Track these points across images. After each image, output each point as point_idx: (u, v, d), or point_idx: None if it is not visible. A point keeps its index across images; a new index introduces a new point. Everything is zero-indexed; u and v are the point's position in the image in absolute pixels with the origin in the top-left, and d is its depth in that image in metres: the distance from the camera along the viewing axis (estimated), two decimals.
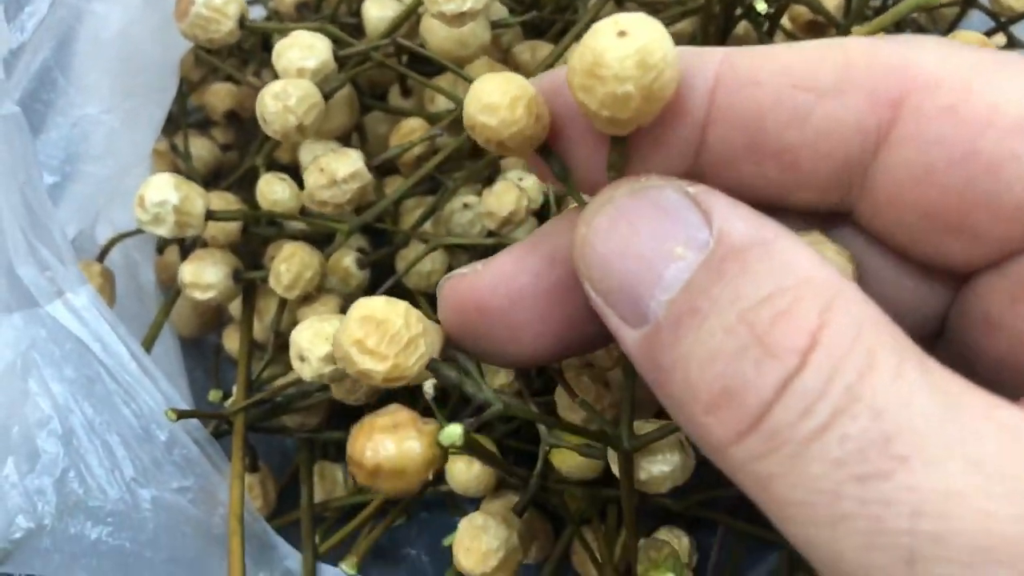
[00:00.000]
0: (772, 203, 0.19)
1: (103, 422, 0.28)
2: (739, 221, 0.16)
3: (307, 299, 0.32)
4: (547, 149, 0.19)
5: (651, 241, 0.17)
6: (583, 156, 0.20)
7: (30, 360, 0.28)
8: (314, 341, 0.27)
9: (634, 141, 0.19)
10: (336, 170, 0.29)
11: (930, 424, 0.14)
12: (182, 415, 0.28)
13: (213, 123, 0.42)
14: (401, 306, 0.19)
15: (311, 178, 0.30)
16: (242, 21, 0.31)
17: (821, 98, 0.18)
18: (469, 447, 0.19)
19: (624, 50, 0.16)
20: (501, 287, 0.20)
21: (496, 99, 0.18)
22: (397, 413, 0.19)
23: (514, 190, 0.32)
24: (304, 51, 0.30)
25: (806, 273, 0.15)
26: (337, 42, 0.31)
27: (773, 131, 0.18)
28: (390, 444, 0.18)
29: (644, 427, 0.23)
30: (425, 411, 0.32)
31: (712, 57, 0.18)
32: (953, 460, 0.14)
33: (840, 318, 0.15)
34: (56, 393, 0.28)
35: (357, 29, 0.36)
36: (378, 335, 0.19)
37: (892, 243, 0.19)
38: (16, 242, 0.28)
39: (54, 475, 0.28)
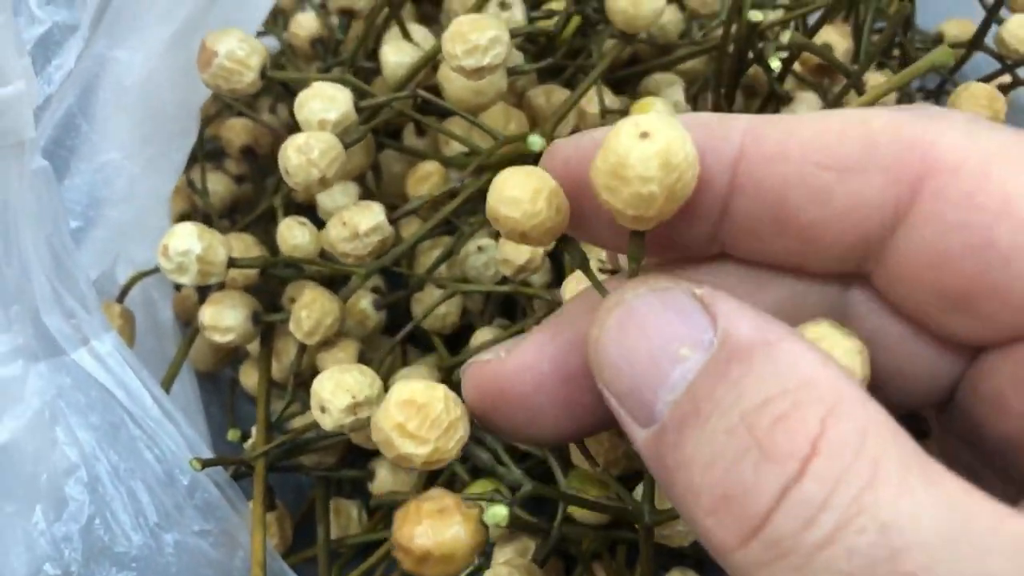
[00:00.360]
0: (791, 268, 0.20)
1: (127, 468, 0.29)
2: (743, 322, 0.17)
3: (326, 343, 0.33)
4: (567, 239, 0.20)
5: (659, 342, 0.17)
6: (605, 231, 0.20)
7: (57, 409, 0.28)
8: (335, 392, 0.27)
9: None
10: (358, 224, 0.30)
11: (938, 539, 0.14)
12: (206, 464, 0.29)
13: (227, 155, 0.43)
14: (440, 390, 0.19)
15: (334, 231, 0.30)
16: (264, 72, 0.31)
17: (843, 175, 0.18)
18: (515, 525, 0.20)
19: (647, 151, 0.16)
20: (524, 374, 0.20)
21: (518, 193, 0.18)
22: (442, 499, 0.19)
23: None
24: (326, 103, 0.30)
25: (809, 375, 0.16)
26: (356, 91, 0.32)
27: (796, 207, 0.18)
28: (438, 531, 0.19)
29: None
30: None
31: (736, 126, 0.19)
32: None
33: (843, 424, 0.15)
34: (83, 441, 0.29)
35: (373, 72, 0.37)
36: (419, 419, 0.19)
37: (905, 313, 0.20)
38: (43, 291, 0.29)
39: (80, 522, 0.28)
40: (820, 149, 0.18)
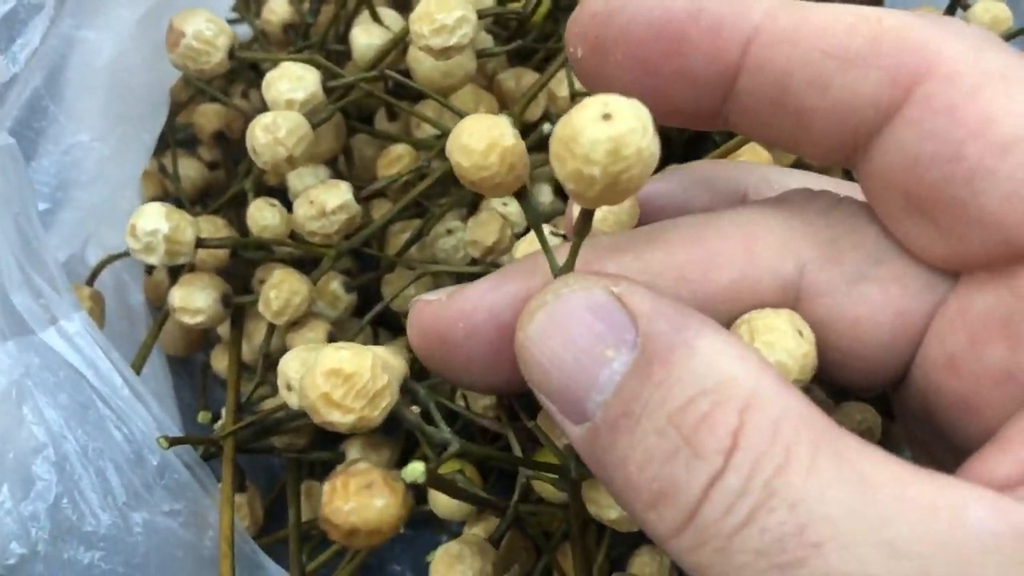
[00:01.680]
0: (785, 150, 0.21)
1: (96, 448, 0.29)
2: (662, 320, 0.17)
3: (296, 323, 0.33)
4: (522, 193, 0.20)
5: (583, 344, 0.17)
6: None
7: (25, 387, 0.28)
8: (302, 371, 0.27)
9: (667, 75, 0.19)
10: (326, 202, 0.30)
11: (842, 511, 0.15)
12: (174, 442, 0.29)
13: (199, 141, 0.43)
14: (368, 357, 0.19)
15: (301, 209, 0.30)
16: (232, 52, 0.31)
17: (845, 66, 0.18)
18: (434, 484, 0.20)
19: (600, 134, 0.16)
20: (461, 320, 0.21)
21: (473, 143, 0.18)
22: (368, 473, 0.19)
23: (498, 220, 0.33)
24: (293, 83, 0.30)
25: (727, 372, 0.16)
26: (325, 72, 0.32)
27: (795, 91, 0.19)
28: (365, 507, 0.19)
29: None
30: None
31: (759, 3, 0.19)
32: (866, 544, 0.15)
33: (758, 416, 0.16)
34: (50, 420, 0.29)
35: (344, 55, 0.37)
36: (344, 388, 0.19)
37: (880, 214, 0.20)
38: (11, 271, 0.28)
39: (48, 501, 0.28)
40: (828, 37, 0.18)
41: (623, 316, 0.17)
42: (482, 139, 0.18)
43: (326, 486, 0.20)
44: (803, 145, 0.20)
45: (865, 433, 0.27)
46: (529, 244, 0.28)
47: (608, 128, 0.16)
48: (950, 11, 0.39)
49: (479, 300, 0.21)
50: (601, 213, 0.24)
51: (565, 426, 0.18)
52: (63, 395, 0.29)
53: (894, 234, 0.20)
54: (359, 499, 0.19)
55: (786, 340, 0.19)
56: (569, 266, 0.19)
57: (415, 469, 0.19)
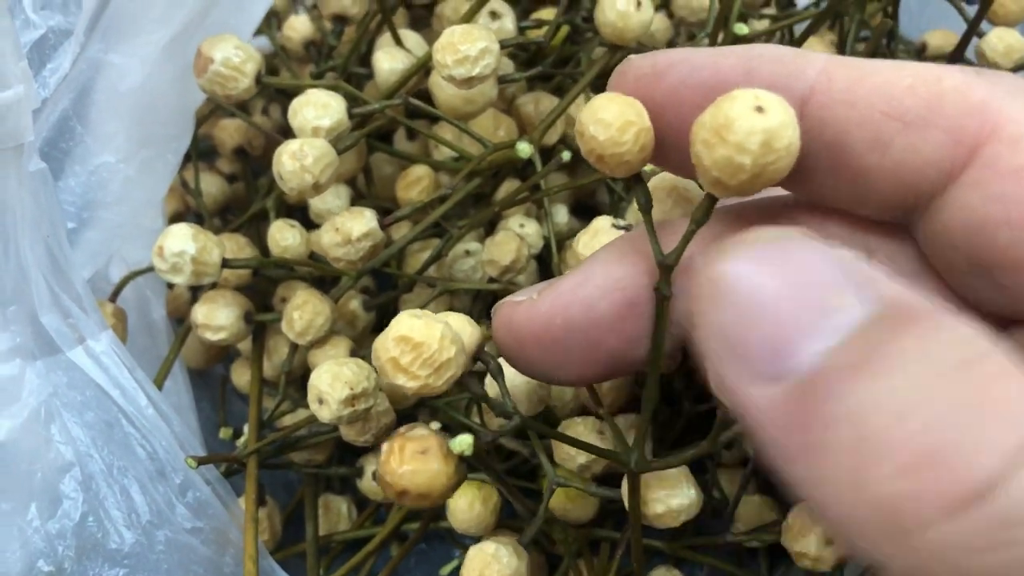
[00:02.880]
0: (839, 208, 0.20)
1: (120, 466, 0.30)
2: (905, 291, 0.15)
3: (318, 341, 0.33)
4: (638, 178, 0.21)
5: (813, 288, 0.15)
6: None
7: (52, 407, 0.29)
8: (333, 385, 0.28)
9: None
10: (351, 230, 0.30)
11: None
12: (201, 462, 0.29)
13: (219, 153, 0.43)
14: (438, 328, 0.20)
15: (326, 237, 0.31)
16: (259, 78, 0.32)
17: (906, 128, 0.18)
18: (479, 460, 0.21)
19: (756, 124, 0.16)
20: (557, 318, 0.21)
21: (610, 118, 0.19)
22: (425, 440, 0.20)
23: (514, 240, 0.34)
24: (319, 110, 0.31)
25: (987, 347, 0.14)
26: (349, 98, 0.32)
27: (855, 152, 0.19)
28: (417, 472, 0.20)
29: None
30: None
31: (812, 64, 0.19)
32: None
33: None
34: (77, 439, 0.29)
35: (366, 77, 0.37)
36: (412, 355, 0.20)
37: (940, 269, 0.20)
38: (40, 292, 0.29)
39: (74, 519, 0.29)
40: (888, 98, 0.18)
41: (863, 273, 0.15)
42: (620, 116, 0.19)
43: (385, 446, 0.21)
44: (861, 204, 0.20)
45: None
46: (590, 236, 0.29)
47: (763, 120, 0.16)
48: (965, 40, 0.39)
49: (572, 295, 0.21)
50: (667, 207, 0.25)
51: (749, 389, 0.15)
52: (90, 414, 0.30)
53: (954, 288, 0.20)
54: (413, 463, 0.20)
55: None
56: (679, 251, 0.20)
57: (464, 440, 0.20)
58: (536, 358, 0.22)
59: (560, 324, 0.21)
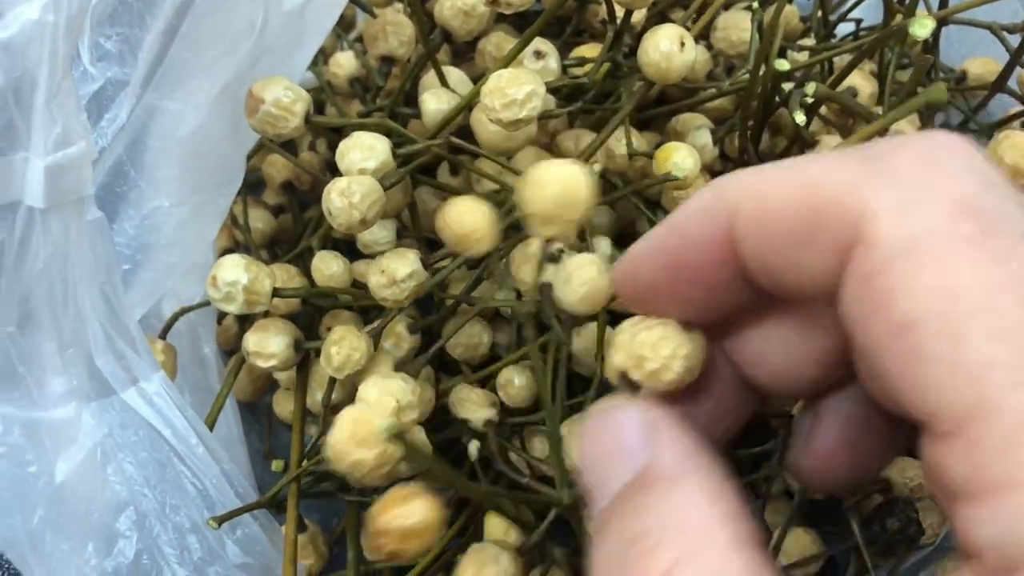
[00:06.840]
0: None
1: (173, 505, 0.30)
2: (669, 454, 0.19)
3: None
4: None
5: (610, 452, 0.20)
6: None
7: (107, 447, 0.30)
8: (381, 399, 0.28)
9: (685, 287, 0.21)
10: (396, 271, 0.31)
11: None
12: (223, 519, 0.31)
13: (265, 185, 0.44)
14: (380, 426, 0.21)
15: (373, 279, 0.31)
16: (307, 117, 0.32)
17: (802, 247, 0.19)
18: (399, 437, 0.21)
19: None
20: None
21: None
22: (404, 488, 0.21)
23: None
24: (365, 152, 0.31)
25: (683, 520, 0.18)
26: (395, 136, 0.33)
27: (775, 271, 0.20)
28: (410, 512, 0.20)
29: None
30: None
31: (725, 205, 0.20)
32: None
33: (687, 573, 0.17)
34: (131, 478, 0.30)
35: (412, 115, 0.38)
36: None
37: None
38: (95, 335, 0.30)
39: (129, 558, 0.29)
40: (784, 223, 0.19)
41: (644, 441, 0.20)
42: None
43: (371, 510, 0.21)
44: (809, 300, 0.21)
45: None
46: None
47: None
48: (1007, 71, 0.39)
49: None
50: None
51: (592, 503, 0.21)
52: (143, 453, 0.30)
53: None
54: (404, 507, 0.21)
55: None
56: None
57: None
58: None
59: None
